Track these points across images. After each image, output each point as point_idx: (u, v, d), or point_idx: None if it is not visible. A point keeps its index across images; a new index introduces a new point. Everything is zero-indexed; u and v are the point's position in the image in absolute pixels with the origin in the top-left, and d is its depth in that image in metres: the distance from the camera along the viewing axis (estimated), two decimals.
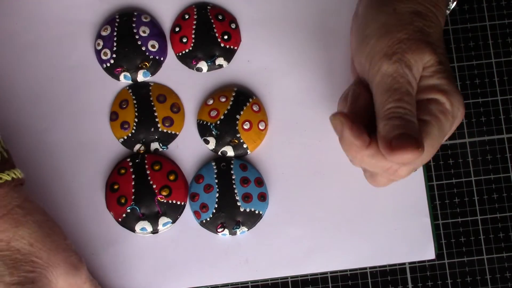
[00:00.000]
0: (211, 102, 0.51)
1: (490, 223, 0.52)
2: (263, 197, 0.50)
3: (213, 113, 0.50)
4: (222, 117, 0.50)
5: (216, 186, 0.50)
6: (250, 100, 0.51)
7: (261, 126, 0.51)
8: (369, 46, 0.42)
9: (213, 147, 0.51)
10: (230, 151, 0.50)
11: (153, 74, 0.52)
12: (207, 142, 0.51)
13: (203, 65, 0.52)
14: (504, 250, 0.51)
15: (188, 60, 0.52)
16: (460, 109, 0.43)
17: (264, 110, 0.51)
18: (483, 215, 0.52)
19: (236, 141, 0.50)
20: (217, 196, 0.50)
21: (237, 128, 0.50)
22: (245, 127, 0.50)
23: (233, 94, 0.51)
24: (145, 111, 0.51)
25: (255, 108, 0.51)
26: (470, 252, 0.51)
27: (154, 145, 0.51)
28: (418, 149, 0.40)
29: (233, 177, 0.50)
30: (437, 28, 0.43)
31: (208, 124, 0.51)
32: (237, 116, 0.50)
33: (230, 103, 0.51)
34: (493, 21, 0.53)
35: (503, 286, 0.51)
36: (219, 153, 0.51)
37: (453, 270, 0.51)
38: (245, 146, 0.50)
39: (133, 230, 0.50)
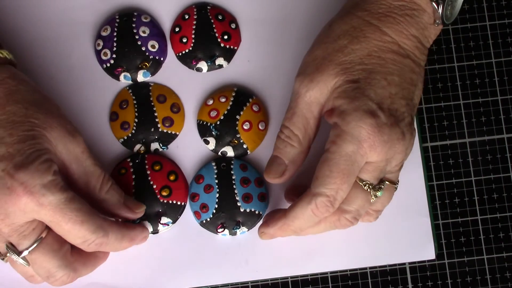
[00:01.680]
0: (211, 102, 0.51)
1: (490, 223, 0.52)
2: (263, 197, 0.50)
3: (213, 113, 0.50)
4: (222, 117, 0.50)
5: (216, 186, 0.50)
6: (250, 100, 0.51)
7: (261, 126, 0.51)
8: None
9: (213, 147, 0.51)
10: (230, 151, 0.50)
11: (153, 74, 0.52)
12: (207, 142, 0.51)
13: (203, 65, 0.51)
14: (504, 250, 0.51)
15: (188, 60, 0.52)
16: (363, 127, 0.41)
17: (264, 110, 0.51)
18: (483, 215, 0.52)
19: (236, 141, 0.50)
20: (217, 196, 0.50)
21: (237, 128, 0.50)
22: (245, 127, 0.50)
23: (233, 94, 0.51)
24: (145, 111, 0.51)
25: (255, 108, 0.51)
26: (470, 252, 0.51)
27: (154, 145, 0.51)
28: (280, 177, 0.45)
29: (233, 177, 0.50)
30: (361, 45, 0.43)
31: (208, 124, 0.50)
32: (237, 116, 0.50)
33: (230, 103, 0.51)
34: (493, 21, 0.53)
35: (503, 286, 0.51)
36: (219, 153, 0.51)
37: (453, 270, 0.51)
38: (245, 146, 0.50)
39: None
